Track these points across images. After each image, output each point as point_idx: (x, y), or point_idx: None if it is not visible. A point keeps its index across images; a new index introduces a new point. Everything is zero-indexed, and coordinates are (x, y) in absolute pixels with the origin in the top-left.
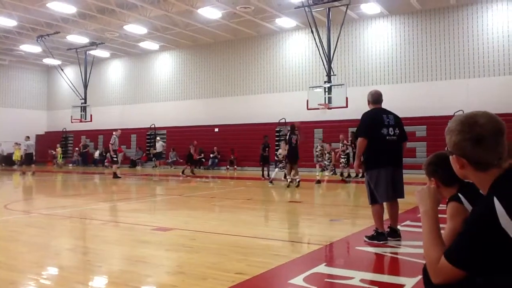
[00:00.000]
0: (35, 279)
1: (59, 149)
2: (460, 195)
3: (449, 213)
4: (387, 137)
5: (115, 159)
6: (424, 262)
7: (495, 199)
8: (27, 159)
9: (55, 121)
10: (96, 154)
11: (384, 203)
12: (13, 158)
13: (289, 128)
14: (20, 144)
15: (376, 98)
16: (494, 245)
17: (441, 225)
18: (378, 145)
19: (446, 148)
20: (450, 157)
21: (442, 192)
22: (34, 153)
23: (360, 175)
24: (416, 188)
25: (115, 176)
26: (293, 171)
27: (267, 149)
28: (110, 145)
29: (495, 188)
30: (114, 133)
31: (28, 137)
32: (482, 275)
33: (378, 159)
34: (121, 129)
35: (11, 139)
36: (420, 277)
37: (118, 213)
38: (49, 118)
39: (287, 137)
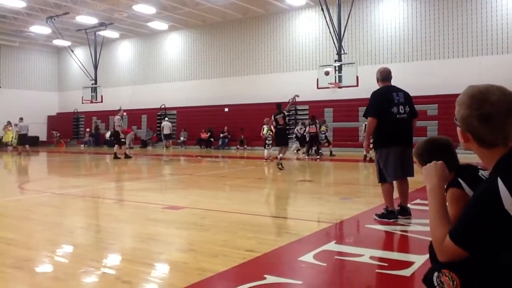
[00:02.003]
0: (50, 257)
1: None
2: (459, 179)
3: (449, 200)
4: (397, 116)
5: (123, 140)
6: (431, 239)
7: (499, 180)
8: (21, 140)
9: (66, 102)
10: (107, 134)
11: (395, 182)
12: (4, 140)
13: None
14: (13, 125)
15: (385, 76)
16: (497, 227)
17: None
18: (388, 124)
19: (454, 118)
20: (457, 128)
21: None
22: (27, 134)
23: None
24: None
25: (125, 155)
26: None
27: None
28: (118, 127)
29: (499, 168)
30: (118, 114)
31: (21, 119)
32: (485, 255)
33: (388, 138)
34: (132, 110)
35: (24, 120)
36: None
37: (130, 192)
38: (60, 99)
39: (273, 117)
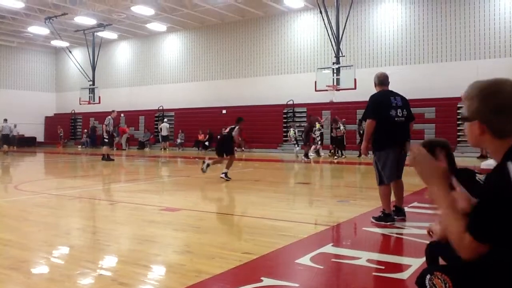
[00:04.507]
0: (46, 258)
1: None
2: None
3: None
4: (396, 118)
5: (107, 140)
6: (427, 242)
7: (509, 163)
8: (3, 140)
9: (64, 103)
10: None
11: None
12: None
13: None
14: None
15: (382, 80)
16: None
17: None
18: (387, 126)
19: (462, 114)
20: (467, 123)
21: None
22: (9, 135)
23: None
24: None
25: (106, 158)
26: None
27: (314, 129)
28: (104, 126)
29: (509, 154)
30: (110, 115)
31: (5, 120)
32: (506, 245)
33: (387, 141)
34: (129, 111)
35: (21, 121)
36: None
37: (127, 194)
38: (58, 100)
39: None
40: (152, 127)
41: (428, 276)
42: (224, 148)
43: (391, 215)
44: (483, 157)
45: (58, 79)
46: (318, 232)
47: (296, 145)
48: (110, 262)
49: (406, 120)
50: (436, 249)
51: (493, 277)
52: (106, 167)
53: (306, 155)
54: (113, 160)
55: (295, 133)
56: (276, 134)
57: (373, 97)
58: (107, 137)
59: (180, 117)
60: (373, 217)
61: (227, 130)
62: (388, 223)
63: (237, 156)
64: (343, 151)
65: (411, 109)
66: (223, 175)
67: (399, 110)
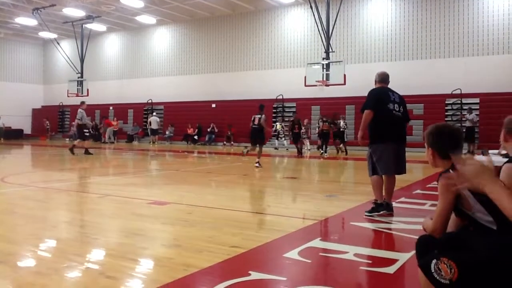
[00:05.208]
0: (33, 251)
1: None
2: (452, 171)
3: (440, 190)
4: (394, 111)
5: (87, 133)
6: (414, 237)
7: None
8: None
9: (52, 95)
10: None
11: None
12: None
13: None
14: None
15: (382, 78)
16: None
17: (433, 202)
18: (384, 119)
19: None
20: None
21: (438, 163)
22: None
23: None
24: (413, 166)
25: (70, 150)
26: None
27: (296, 126)
28: (77, 120)
29: None
30: (80, 107)
31: None
32: None
33: (384, 133)
34: (118, 104)
35: (8, 113)
36: (413, 252)
37: (115, 187)
38: (45, 92)
39: (253, 116)
40: (141, 120)
41: (434, 261)
42: (258, 138)
43: (383, 204)
44: (470, 153)
45: (46, 71)
46: (306, 227)
47: (283, 139)
48: (97, 255)
49: (403, 117)
50: (427, 243)
51: (497, 267)
52: (93, 161)
53: (300, 151)
54: (74, 154)
55: (282, 127)
56: None
57: (373, 91)
58: (86, 130)
59: (169, 111)
60: (366, 211)
61: (256, 121)
62: (381, 212)
63: (225, 150)
64: (328, 146)
65: None
66: (257, 164)
67: (396, 105)
